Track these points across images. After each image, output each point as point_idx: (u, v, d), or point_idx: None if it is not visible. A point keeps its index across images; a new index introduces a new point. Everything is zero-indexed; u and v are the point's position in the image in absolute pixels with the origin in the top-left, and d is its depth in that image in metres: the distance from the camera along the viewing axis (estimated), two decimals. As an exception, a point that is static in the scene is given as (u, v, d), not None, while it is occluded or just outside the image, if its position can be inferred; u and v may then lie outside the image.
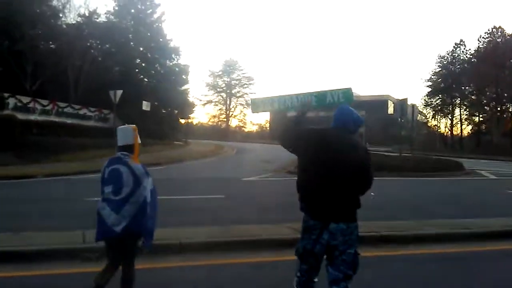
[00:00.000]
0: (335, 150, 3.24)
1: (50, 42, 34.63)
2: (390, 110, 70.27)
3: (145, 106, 24.65)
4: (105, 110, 32.50)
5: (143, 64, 38.41)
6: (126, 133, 3.78)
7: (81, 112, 30.43)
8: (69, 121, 28.83)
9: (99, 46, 36.87)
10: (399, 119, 21.07)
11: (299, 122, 3.54)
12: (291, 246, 6.38)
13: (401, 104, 18.66)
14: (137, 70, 38.28)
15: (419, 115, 62.83)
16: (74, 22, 36.70)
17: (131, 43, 38.08)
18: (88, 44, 35.91)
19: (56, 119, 27.69)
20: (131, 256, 3.72)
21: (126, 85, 35.78)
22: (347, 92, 3.81)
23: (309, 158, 3.33)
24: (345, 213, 3.21)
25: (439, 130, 60.78)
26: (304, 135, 3.39)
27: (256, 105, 4.20)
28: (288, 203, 10.61)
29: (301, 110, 3.63)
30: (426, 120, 59.38)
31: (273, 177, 17.10)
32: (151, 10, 38.46)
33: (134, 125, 3.85)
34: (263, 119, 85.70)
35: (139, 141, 3.79)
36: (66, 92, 31.41)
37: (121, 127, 3.90)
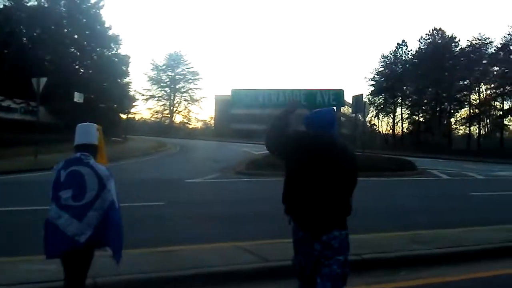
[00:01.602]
0: (325, 154, 3.05)
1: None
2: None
3: (77, 97, 22.14)
4: (33, 103, 29.49)
5: (78, 53, 35.33)
6: (88, 130, 3.41)
7: (4, 104, 27.26)
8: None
9: (26, 32, 33.28)
10: (354, 115, 19.97)
11: (285, 121, 3.18)
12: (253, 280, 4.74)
13: (357, 100, 17.68)
14: (70, 59, 35.08)
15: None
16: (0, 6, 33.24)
17: (65, 30, 34.89)
18: (15, 29, 32.43)
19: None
20: (85, 272, 3.30)
21: (58, 75, 32.79)
22: (339, 94, 3.79)
23: (299, 164, 3.06)
24: (338, 220, 3.04)
25: (377, 129, 61.98)
26: (293, 138, 3.14)
27: (238, 98, 3.63)
28: (238, 213, 9.37)
29: (288, 109, 3.22)
30: (369, 119, 60.25)
31: (220, 178, 15.49)
32: (86, -6, 35.35)
33: (98, 125, 3.49)
34: (207, 115, 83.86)
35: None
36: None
37: (82, 124, 3.45)
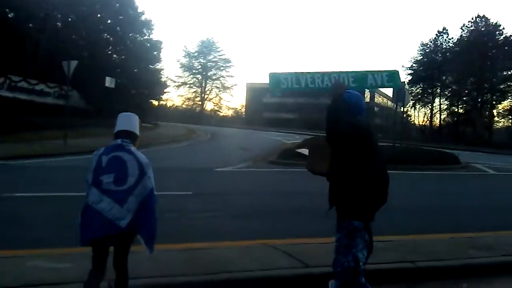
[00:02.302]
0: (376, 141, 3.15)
1: (7, 10, 31.28)
2: (367, 98, 69.58)
3: (109, 82, 21.85)
4: (66, 87, 29.63)
5: (111, 38, 35.22)
6: (130, 119, 3.46)
7: (38, 87, 27.41)
8: (23, 97, 25.91)
9: (60, 17, 33.39)
10: (396, 106, 18.82)
11: (337, 106, 2.99)
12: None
13: (399, 89, 16.61)
14: (103, 44, 35.04)
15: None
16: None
17: (98, 15, 34.81)
18: (49, 13, 32.58)
19: (8, 94, 24.76)
20: (126, 257, 3.30)
21: (92, 60, 32.88)
22: (394, 75, 3.44)
23: (368, 153, 3.01)
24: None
25: (412, 120, 59.74)
26: (358, 125, 3.02)
27: (276, 82, 3.59)
28: (272, 206, 8.70)
29: (336, 92, 3.07)
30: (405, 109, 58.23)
31: (251, 167, 14.86)
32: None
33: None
34: (238, 103, 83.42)
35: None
36: (23, 66, 28.34)
37: (124, 113, 3.54)
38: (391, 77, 3.44)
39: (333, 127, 2.91)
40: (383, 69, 3.46)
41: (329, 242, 4.17)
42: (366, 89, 4.02)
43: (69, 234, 5.52)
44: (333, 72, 3.43)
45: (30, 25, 30.09)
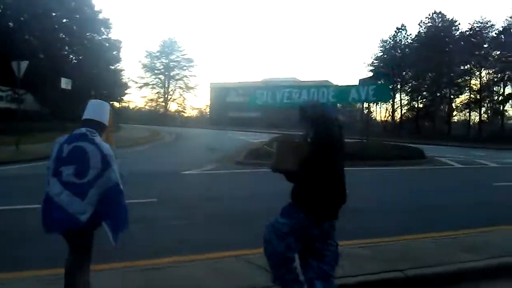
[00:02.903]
0: (343, 143, 3.24)
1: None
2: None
3: (65, 84, 20.80)
4: (21, 90, 28.11)
5: (67, 38, 33.71)
6: (101, 108, 3.28)
7: (-12, 91, 25.81)
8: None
9: (12, 17, 31.63)
10: (363, 103, 18.70)
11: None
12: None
13: (364, 84, 16.47)
14: (59, 45, 33.49)
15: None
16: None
17: (53, 14, 33.24)
18: (1, 14, 30.85)
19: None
20: (88, 251, 3.14)
21: (47, 61, 31.33)
22: (384, 88, 2.04)
23: (335, 156, 3.14)
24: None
25: (372, 116, 60.71)
26: (335, 131, 3.16)
27: (256, 98, 3.51)
28: (243, 210, 7.95)
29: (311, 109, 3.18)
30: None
31: (218, 169, 14.32)
32: (75, -24, 33.65)
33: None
34: (203, 103, 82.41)
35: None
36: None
37: (93, 100, 3.38)
38: (379, 90, 3.46)
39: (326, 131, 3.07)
40: (369, 83, 3.44)
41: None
42: (348, 102, 3.26)
43: (21, 253, 4.93)
44: (311, 87, 3.50)
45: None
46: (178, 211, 7.83)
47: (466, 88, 52.64)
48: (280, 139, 3.38)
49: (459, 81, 51.98)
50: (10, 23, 32.38)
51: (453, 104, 53.95)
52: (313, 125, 3.10)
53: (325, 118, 3.12)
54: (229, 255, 4.96)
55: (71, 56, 35.08)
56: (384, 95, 3.58)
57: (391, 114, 57.93)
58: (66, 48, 34.33)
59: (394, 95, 56.29)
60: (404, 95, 56.60)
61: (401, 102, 56.69)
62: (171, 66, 79.40)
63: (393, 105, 56.85)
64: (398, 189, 11.52)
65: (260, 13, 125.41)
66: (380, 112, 61.54)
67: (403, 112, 57.24)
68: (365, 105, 21.16)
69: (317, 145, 3.05)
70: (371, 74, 54.12)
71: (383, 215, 7.70)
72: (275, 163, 3.17)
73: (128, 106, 73.53)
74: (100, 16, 35.38)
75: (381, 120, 60.82)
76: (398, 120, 57.71)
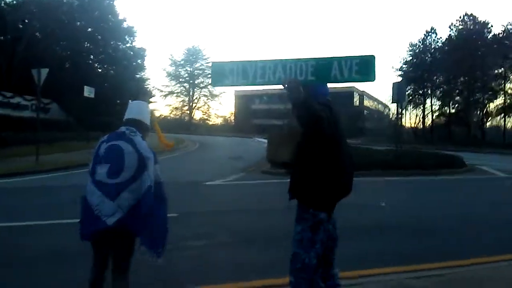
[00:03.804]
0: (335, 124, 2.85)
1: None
2: (356, 101, 68.88)
3: (88, 92, 20.49)
4: (45, 99, 28.15)
5: (92, 47, 33.74)
6: (141, 107, 3.19)
7: (14, 101, 25.81)
8: (-2, 111, 24.34)
9: (38, 27, 31.84)
10: (397, 105, 17.57)
11: (303, 104, 2.61)
12: None
13: (399, 87, 15.44)
14: (84, 54, 33.54)
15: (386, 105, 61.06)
16: (14, 2, 32.02)
17: (77, 23, 33.35)
18: (26, 21, 31.08)
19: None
20: (125, 262, 2.93)
21: (73, 70, 31.38)
22: (367, 63, 2.63)
23: (334, 142, 2.83)
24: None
25: (400, 122, 58.79)
26: (325, 113, 2.68)
27: (219, 74, 2.89)
28: (275, 226, 7.31)
29: (291, 94, 2.63)
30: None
31: (244, 179, 13.52)
32: (99, -15, 33.71)
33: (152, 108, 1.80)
34: (227, 111, 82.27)
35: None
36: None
37: (134, 101, 3.28)
38: (363, 66, 2.65)
39: (307, 110, 2.59)
40: (352, 55, 2.68)
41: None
42: (329, 82, 2.82)
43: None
44: (288, 60, 2.76)
45: (2, 37, 28.56)
46: (201, 226, 7.04)
47: (501, 92, 50.43)
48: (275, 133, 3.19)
49: (493, 85, 49.84)
50: (37, 33, 32.65)
51: (487, 109, 51.77)
52: (293, 107, 2.66)
53: (304, 98, 2.60)
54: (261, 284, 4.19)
55: (96, 65, 35.09)
56: (369, 74, 2.93)
57: (421, 120, 55.99)
58: (91, 57, 34.34)
59: (424, 100, 54.54)
60: (435, 100, 54.67)
61: (431, 107, 54.83)
62: (196, 74, 79.61)
63: (423, 111, 55.05)
64: (435, 201, 10.40)
65: (284, 19, 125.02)
66: (409, 118, 59.75)
67: (433, 118, 55.27)
68: (393, 110, 20.12)
69: (304, 131, 2.75)
70: (400, 78, 52.78)
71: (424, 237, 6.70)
72: (268, 155, 2.99)
73: (154, 114, 73.70)
74: (124, 24, 35.39)
75: (410, 126, 58.99)
76: (428, 126, 55.76)
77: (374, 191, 11.42)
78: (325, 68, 2.72)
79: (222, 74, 2.91)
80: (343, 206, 3.12)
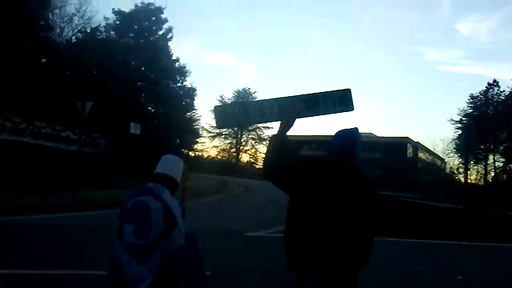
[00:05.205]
0: (333, 188, 2.52)
1: (41, 56, 31.05)
2: (409, 153, 66.02)
3: (133, 129, 20.15)
4: (94, 134, 28.31)
5: (144, 86, 34.22)
6: (174, 163, 2.97)
7: (64, 134, 26.02)
8: (48, 144, 24.53)
9: (96, 64, 32.80)
10: (464, 156, 15.63)
11: (283, 138, 2.76)
12: None
13: (469, 137, 13.62)
14: (137, 92, 34.03)
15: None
16: (74, 39, 33.45)
17: (132, 63, 34.08)
18: (84, 58, 32.15)
19: (31, 141, 23.41)
20: None
21: (125, 108, 31.71)
22: (346, 95, 2.99)
23: (303, 199, 2.54)
24: (346, 274, 2.48)
25: (457, 177, 55.03)
26: (296, 165, 2.65)
27: (222, 116, 3.02)
28: None
29: (285, 121, 2.81)
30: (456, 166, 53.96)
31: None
32: (156, 26, 34.49)
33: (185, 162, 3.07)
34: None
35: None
36: (48, 112, 27.36)
37: (168, 155, 3.06)
38: (343, 98, 2.95)
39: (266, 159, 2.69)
40: (335, 89, 2.99)
41: None
42: (318, 115, 2.95)
43: None
44: (281, 98, 2.96)
45: (59, 72, 29.52)
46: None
47: None
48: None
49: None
50: (94, 71, 33.66)
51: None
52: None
53: (278, 138, 2.76)
54: None
55: (146, 103, 35.47)
56: (348, 104, 2.53)
57: (483, 176, 52.07)
58: (143, 95, 34.74)
59: (487, 156, 50.97)
60: (498, 156, 50.96)
61: (494, 163, 51.07)
62: (245, 117, 79.90)
63: (485, 167, 51.33)
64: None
65: (334, 64, 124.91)
66: (467, 173, 55.91)
67: (497, 175, 51.30)
68: (454, 163, 18.06)
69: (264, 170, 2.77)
70: (459, 131, 49.77)
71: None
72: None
73: (202, 155, 74.24)
74: (176, 64, 35.79)
75: (470, 182, 55.06)
76: (480, 183, 51.88)
77: (442, 258, 9.63)
78: (313, 102, 2.93)
79: (225, 116, 2.99)
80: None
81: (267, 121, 3.06)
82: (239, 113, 2.99)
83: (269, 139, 2.82)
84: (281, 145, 2.69)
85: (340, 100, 2.95)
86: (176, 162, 2.99)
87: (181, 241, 2.66)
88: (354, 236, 2.50)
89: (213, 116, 3.10)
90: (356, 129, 2.77)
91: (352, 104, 2.97)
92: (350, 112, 3.00)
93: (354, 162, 2.65)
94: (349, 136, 2.70)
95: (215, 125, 3.40)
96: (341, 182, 2.54)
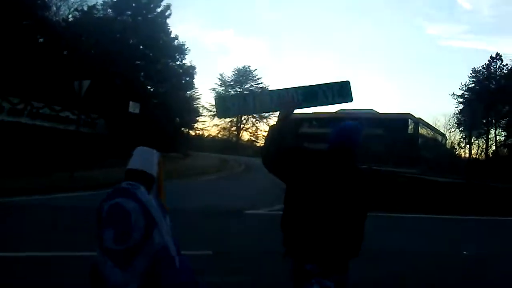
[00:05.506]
0: (328, 180, 2.57)
1: (38, 36, 30.60)
2: (410, 129, 65.78)
3: (133, 107, 19.92)
4: (93, 114, 28.05)
5: (142, 65, 33.82)
6: (149, 156, 2.71)
7: (62, 114, 25.77)
8: (45, 124, 24.36)
9: (94, 44, 32.33)
10: (468, 131, 15.47)
11: (282, 128, 2.78)
12: None
13: (473, 112, 13.40)
14: (136, 71, 33.64)
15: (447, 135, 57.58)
16: (71, 18, 32.94)
17: (130, 41, 33.58)
18: (82, 38, 31.70)
19: (28, 121, 23.26)
20: None
21: (123, 87, 31.39)
22: (345, 87, 3.10)
23: (300, 188, 2.62)
24: (342, 258, 2.57)
25: (457, 152, 54.92)
26: (289, 154, 2.68)
27: (223, 106, 3.11)
28: None
29: (284, 112, 2.86)
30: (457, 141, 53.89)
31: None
32: (154, 3, 33.83)
33: (160, 157, 2.75)
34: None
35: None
36: (46, 91, 27.11)
37: (142, 147, 2.75)
38: (342, 90, 3.07)
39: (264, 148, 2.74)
40: (333, 81, 3.10)
41: None
42: (317, 106, 3.13)
43: None
44: (281, 90, 3.06)
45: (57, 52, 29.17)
46: (239, 272, 5.60)
47: None
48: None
49: None
50: (92, 50, 33.22)
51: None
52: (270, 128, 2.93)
53: (272, 128, 2.87)
54: None
55: (145, 82, 35.12)
56: (346, 96, 2.51)
57: (484, 151, 51.98)
58: (142, 74, 34.35)
59: (488, 130, 50.76)
60: (500, 130, 50.77)
61: (495, 138, 50.91)
62: (245, 95, 79.46)
63: (487, 141, 51.16)
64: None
65: (334, 39, 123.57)
66: (471, 148, 55.81)
67: (498, 149, 51.23)
68: (455, 138, 17.91)
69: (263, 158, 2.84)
70: (461, 106, 49.46)
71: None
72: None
73: (202, 134, 74.10)
74: (175, 42, 35.27)
75: (470, 156, 54.99)
76: (481, 157, 51.80)
77: (446, 234, 9.54)
78: (312, 94, 3.03)
79: (225, 106, 3.06)
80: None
81: (266, 111, 3.21)
82: (239, 105, 3.10)
83: (268, 127, 2.89)
84: (279, 135, 2.75)
85: (339, 92, 3.07)
86: (149, 154, 2.78)
87: (165, 242, 2.49)
88: (348, 224, 2.57)
89: (214, 103, 3.11)
90: (357, 123, 2.85)
91: (351, 96, 3.08)
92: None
93: (353, 154, 2.71)
94: (351, 129, 2.78)
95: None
96: (337, 172, 2.61)
